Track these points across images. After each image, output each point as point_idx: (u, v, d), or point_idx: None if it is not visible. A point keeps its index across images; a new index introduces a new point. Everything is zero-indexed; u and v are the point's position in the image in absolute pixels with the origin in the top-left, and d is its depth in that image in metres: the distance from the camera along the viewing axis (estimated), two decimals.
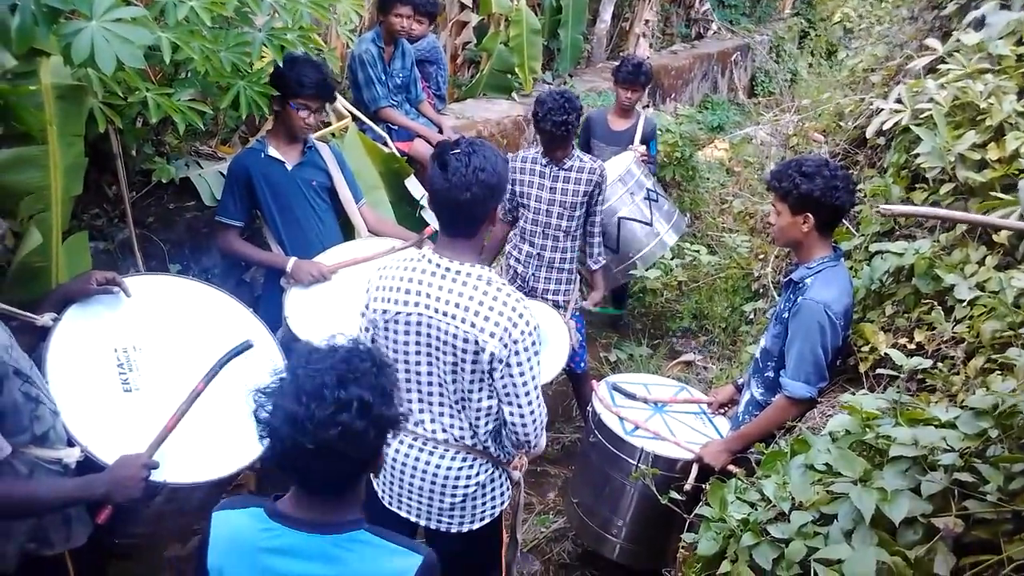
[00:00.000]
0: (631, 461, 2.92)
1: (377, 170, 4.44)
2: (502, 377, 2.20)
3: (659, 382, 3.47)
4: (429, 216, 4.64)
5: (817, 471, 1.96)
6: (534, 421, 2.29)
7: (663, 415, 3.16)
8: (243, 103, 3.26)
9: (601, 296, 4.22)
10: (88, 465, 2.10)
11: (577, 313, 4.06)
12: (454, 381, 2.26)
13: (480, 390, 2.26)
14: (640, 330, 5.37)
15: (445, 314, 2.17)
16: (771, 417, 2.71)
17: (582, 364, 4.11)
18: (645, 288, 5.22)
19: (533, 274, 3.97)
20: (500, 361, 2.17)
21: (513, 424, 2.28)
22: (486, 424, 2.35)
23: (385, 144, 4.71)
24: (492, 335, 2.14)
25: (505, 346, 2.15)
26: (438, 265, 2.20)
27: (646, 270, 4.85)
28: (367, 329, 2.34)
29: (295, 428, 1.39)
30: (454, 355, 2.20)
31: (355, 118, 4.68)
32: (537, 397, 2.28)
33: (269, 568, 1.48)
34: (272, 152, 3.36)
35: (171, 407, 2.24)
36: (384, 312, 2.25)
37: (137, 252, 3.36)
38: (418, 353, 2.26)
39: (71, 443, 2.10)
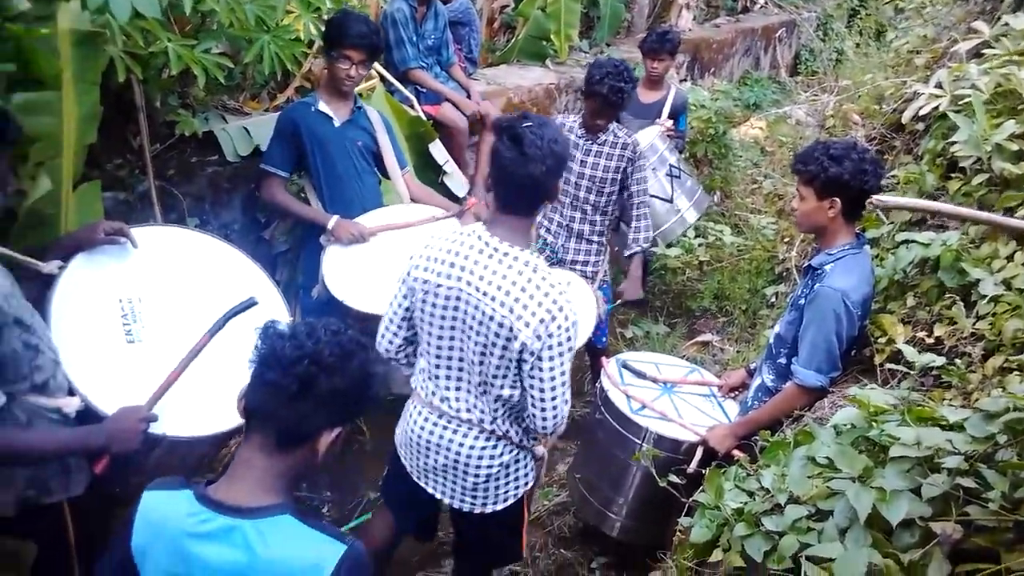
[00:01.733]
0: (635, 440, 2.88)
1: (402, 133, 4.40)
2: (531, 368, 2.15)
3: (670, 362, 3.42)
4: (452, 183, 4.60)
5: (818, 464, 1.91)
6: (555, 416, 2.23)
7: (671, 396, 3.11)
8: (267, 58, 3.24)
9: (636, 289, 3.98)
10: (88, 415, 2.10)
11: (604, 285, 4.01)
12: (480, 363, 2.21)
13: (504, 377, 2.21)
14: (659, 308, 5.30)
15: (485, 294, 2.12)
16: (780, 404, 2.65)
17: (603, 339, 4.06)
18: (666, 266, 5.14)
19: (563, 245, 3.94)
20: (531, 354, 2.11)
21: (533, 415, 2.24)
22: (505, 413, 2.31)
23: (412, 107, 4.65)
24: (527, 324, 2.08)
25: (539, 338, 2.09)
26: (487, 243, 2.15)
27: (666, 247, 4.76)
28: (405, 296, 2.30)
29: (317, 339, 1.47)
30: (486, 337, 2.15)
31: (383, 79, 4.62)
32: (563, 394, 2.21)
33: (189, 553, 1.44)
34: (322, 107, 3.37)
35: (173, 360, 2.24)
36: (425, 282, 2.21)
37: (156, 204, 3.37)
38: (452, 328, 2.22)
39: (72, 392, 2.11)
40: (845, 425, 1.97)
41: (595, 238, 3.93)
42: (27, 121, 2.13)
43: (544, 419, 2.23)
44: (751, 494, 2.09)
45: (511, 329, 2.10)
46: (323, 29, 3.34)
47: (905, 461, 1.70)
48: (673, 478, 2.50)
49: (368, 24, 3.26)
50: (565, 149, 2.12)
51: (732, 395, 3.17)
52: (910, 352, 2.27)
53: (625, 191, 3.87)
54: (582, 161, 3.76)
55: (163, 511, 1.49)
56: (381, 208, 3.51)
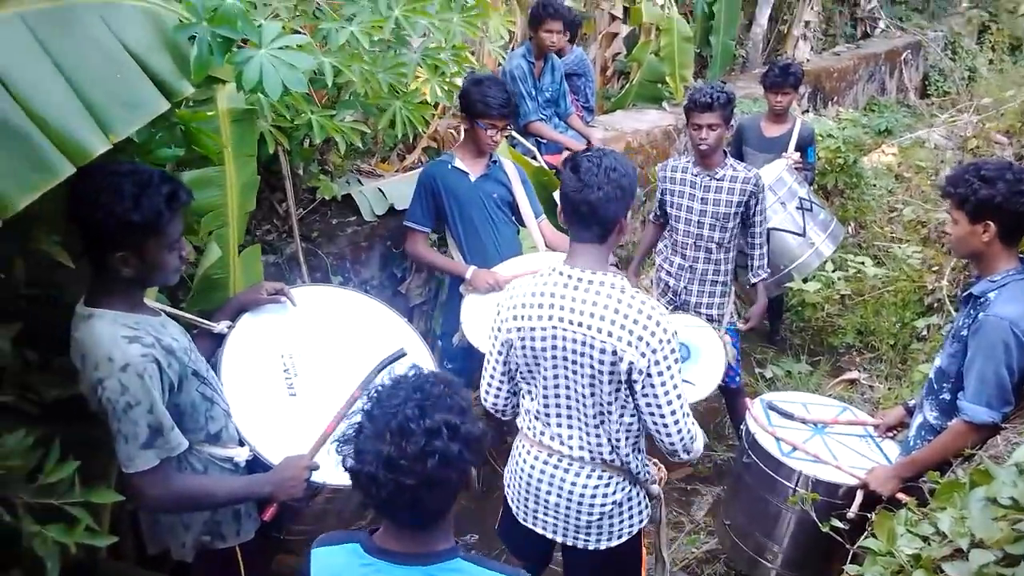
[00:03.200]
0: (788, 484, 2.76)
1: None
2: (643, 388, 2.16)
3: (819, 401, 3.28)
4: None
5: (1001, 506, 1.77)
6: (679, 431, 2.22)
7: (824, 436, 2.98)
8: (398, 122, 3.40)
9: (761, 313, 3.97)
10: (257, 464, 2.23)
11: (731, 327, 3.91)
12: (592, 395, 2.22)
13: (620, 404, 2.22)
14: (799, 345, 5.10)
15: (580, 324, 2.15)
16: (947, 443, 2.49)
17: (737, 379, 3.95)
18: (804, 302, 4.95)
19: (685, 287, 3.86)
20: (640, 372, 2.12)
21: (661, 440, 2.24)
22: (627, 440, 2.30)
23: (534, 158, 4.76)
24: (629, 344, 2.10)
25: (643, 355, 2.11)
26: (569, 276, 2.19)
27: (804, 282, 4.60)
28: (500, 352, 2.35)
29: (392, 469, 1.35)
30: (591, 367, 2.17)
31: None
32: (682, 407, 2.21)
33: None
34: (458, 164, 3.55)
35: (330, 411, 2.34)
36: (519, 329, 2.25)
37: (303, 265, 3.58)
38: (555, 367, 2.24)
39: (242, 443, 2.24)
40: None
41: (720, 279, 3.84)
42: (198, 195, 2.32)
43: (672, 441, 2.22)
44: (925, 539, 1.96)
45: (614, 352, 2.11)
46: (460, 97, 3.47)
47: None
48: (836, 523, 2.37)
49: (504, 89, 3.42)
50: (624, 176, 2.15)
51: (890, 435, 3.00)
52: None
53: (747, 224, 3.79)
54: (702, 199, 3.69)
55: (335, 564, 1.52)
56: (517, 256, 3.60)
